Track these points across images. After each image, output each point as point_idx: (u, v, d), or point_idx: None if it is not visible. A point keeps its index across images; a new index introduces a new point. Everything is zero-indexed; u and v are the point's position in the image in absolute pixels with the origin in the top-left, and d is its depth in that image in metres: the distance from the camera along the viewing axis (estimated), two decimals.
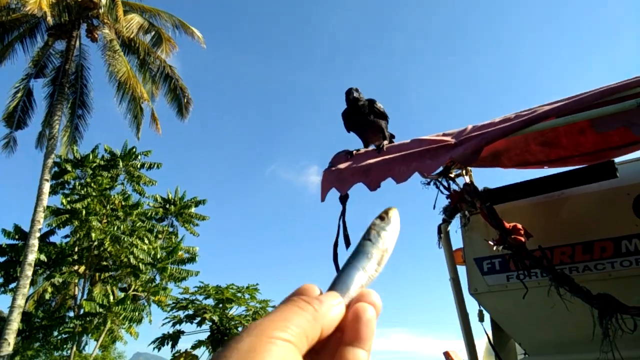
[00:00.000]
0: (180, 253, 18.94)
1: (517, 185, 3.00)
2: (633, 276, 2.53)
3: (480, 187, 2.88)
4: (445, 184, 2.95)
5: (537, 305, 2.69)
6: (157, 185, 20.44)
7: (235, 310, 18.93)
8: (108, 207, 17.73)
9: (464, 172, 3.13)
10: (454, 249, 3.23)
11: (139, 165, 19.70)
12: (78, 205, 16.59)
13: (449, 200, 2.96)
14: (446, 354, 4.94)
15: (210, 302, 18.70)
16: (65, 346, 16.56)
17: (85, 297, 16.84)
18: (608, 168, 2.73)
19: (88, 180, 17.74)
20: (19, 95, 15.36)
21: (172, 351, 17.56)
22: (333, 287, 0.41)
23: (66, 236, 17.81)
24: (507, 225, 2.56)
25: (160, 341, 17.76)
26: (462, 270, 3.11)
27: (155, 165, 20.22)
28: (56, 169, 17.18)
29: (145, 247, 17.21)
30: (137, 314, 16.21)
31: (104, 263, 17.61)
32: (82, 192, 17.14)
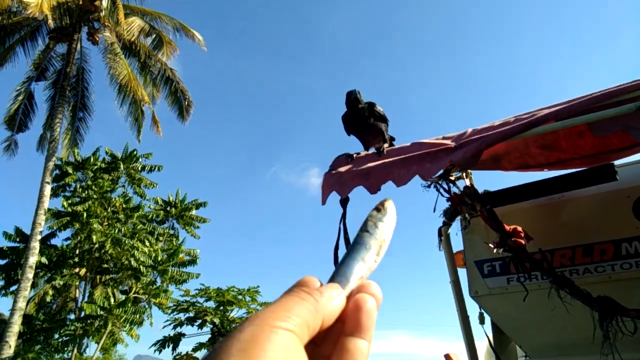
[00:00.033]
0: (181, 255, 18.94)
1: (518, 188, 3.00)
2: (633, 279, 2.53)
3: (480, 190, 2.88)
4: (445, 186, 2.94)
5: (537, 307, 2.69)
6: (158, 187, 20.53)
7: (236, 313, 18.98)
8: (109, 210, 17.75)
9: (464, 174, 3.14)
10: (454, 251, 3.23)
11: (139, 168, 19.76)
12: (79, 208, 16.60)
13: (449, 203, 2.95)
14: (447, 357, 4.92)
15: (211, 304, 18.76)
16: (66, 349, 16.56)
17: (86, 299, 16.85)
18: (608, 171, 2.73)
19: (89, 182, 17.77)
20: (20, 98, 15.40)
21: (173, 354, 17.61)
22: (333, 278, 0.41)
23: (67, 239, 17.86)
24: (507, 227, 2.56)
25: (161, 344, 17.81)
26: (462, 272, 3.11)
27: (156, 168, 20.27)
28: (57, 171, 17.24)
29: (146, 249, 17.21)
30: (137, 316, 16.20)
31: (105, 265, 17.63)
32: (83, 194, 17.15)
